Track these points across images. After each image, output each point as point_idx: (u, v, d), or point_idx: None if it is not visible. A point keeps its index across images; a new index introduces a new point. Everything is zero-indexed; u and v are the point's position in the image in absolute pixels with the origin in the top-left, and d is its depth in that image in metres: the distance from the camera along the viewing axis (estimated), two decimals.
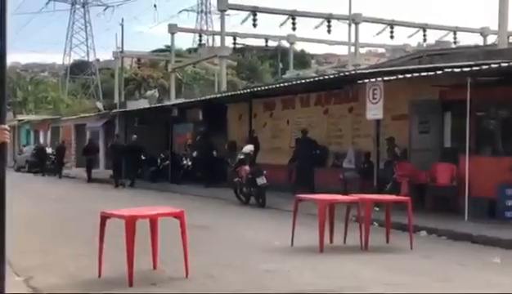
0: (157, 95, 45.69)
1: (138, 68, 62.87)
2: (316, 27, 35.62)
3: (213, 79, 48.16)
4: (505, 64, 11.49)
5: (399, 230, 10.56)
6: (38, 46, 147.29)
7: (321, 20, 34.89)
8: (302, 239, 9.64)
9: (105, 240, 7.28)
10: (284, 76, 37.76)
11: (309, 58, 72.31)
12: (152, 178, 26.14)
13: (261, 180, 16.18)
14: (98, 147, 32.33)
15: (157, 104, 32.65)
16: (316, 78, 20.65)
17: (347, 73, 18.43)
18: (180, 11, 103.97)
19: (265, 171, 16.40)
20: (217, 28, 46.94)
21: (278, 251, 9.47)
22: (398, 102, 15.79)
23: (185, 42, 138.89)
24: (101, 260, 7.25)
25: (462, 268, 8.39)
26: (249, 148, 17.93)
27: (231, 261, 8.50)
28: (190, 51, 66.17)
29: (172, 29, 38.69)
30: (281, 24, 34.88)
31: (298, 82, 19.12)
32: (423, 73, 13.01)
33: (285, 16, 33.95)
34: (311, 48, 70.99)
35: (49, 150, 36.98)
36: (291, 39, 40.72)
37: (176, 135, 27.04)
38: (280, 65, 50.74)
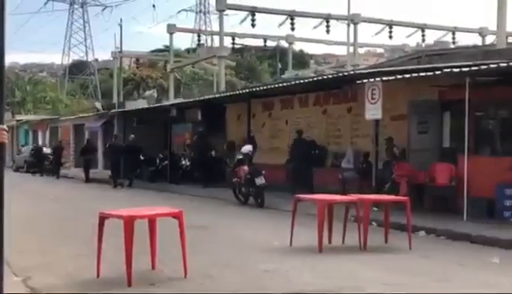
0: (156, 95, 45.67)
1: (137, 68, 62.85)
2: (315, 27, 35.64)
3: (211, 79, 48.17)
4: (504, 64, 11.50)
5: (398, 230, 10.56)
6: (36, 47, 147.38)
7: (319, 20, 34.89)
8: (301, 239, 9.64)
9: (103, 240, 7.27)
10: (282, 76, 37.75)
11: (308, 58, 72.30)
12: (151, 178, 26.13)
13: (260, 180, 16.17)
14: (96, 147, 32.29)
15: (156, 105, 32.65)
16: (315, 78, 20.66)
17: (345, 74, 18.44)
18: (179, 11, 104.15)
19: (264, 171, 16.40)
20: (215, 28, 46.98)
21: (277, 251, 9.46)
22: (397, 102, 15.79)
23: (183, 42, 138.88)
24: (100, 261, 7.24)
25: (461, 268, 8.39)
26: (247, 148, 17.93)
27: (229, 261, 8.50)
28: (188, 51, 66.12)
29: (171, 29, 38.68)
30: (280, 25, 34.91)
31: (297, 82, 19.11)
32: (422, 74, 13.01)
33: (284, 16, 33.96)
34: (309, 48, 71.08)
35: (47, 150, 36.94)
36: (290, 39, 40.72)
37: (175, 136, 27.03)
38: (279, 65, 50.72)
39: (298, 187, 17.24)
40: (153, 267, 7.65)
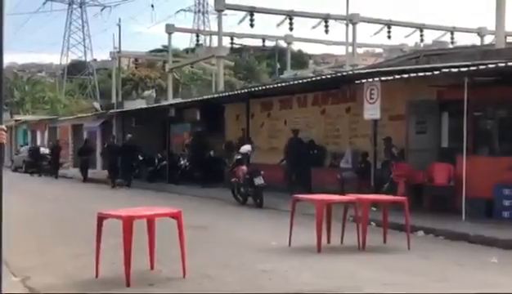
0: (154, 95, 45.71)
1: (135, 68, 62.82)
2: (314, 27, 35.65)
3: (210, 79, 48.15)
4: (503, 64, 11.49)
5: (396, 230, 10.57)
6: (35, 47, 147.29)
7: (318, 20, 34.90)
8: (299, 239, 9.64)
9: (102, 240, 7.27)
10: (281, 76, 37.79)
11: (307, 58, 72.27)
12: (149, 178, 26.13)
13: (258, 181, 16.17)
14: (94, 147, 32.27)
15: (154, 105, 32.63)
16: (314, 78, 20.65)
17: (344, 74, 18.45)
18: (177, 11, 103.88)
19: (262, 172, 16.39)
20: (214, 28, 46.96)
21: (275, 251, 9.47)
22: (395, 102, 15.80)
23: (182, 42, 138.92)
24: (99, 261, 7.24)
25: (460, 268, 8.40)
26: (246, 148, 17.92)
27: (228, 261, 8.50)
28: (187, 51, 66.11)
29: (170, 29, 38.65)
30: (279, 25, 34.93)
31: (296, 82, 19.11)
32: (420, 74, 13.02)
33: (283, 16, 33.97)
34: (308, 48, 71.06)
35: (45, 150, 36.89)
36: (288, 39, 40.72)
37: (173, 136, 27.03)
38: (278, 65, 50.71)
39: (295, 187, 17.27)
40: (152, 267, 7.65)
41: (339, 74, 18.25)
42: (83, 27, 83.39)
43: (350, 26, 34.13)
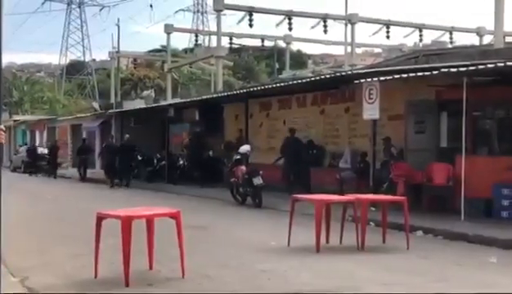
0: (153, 95, 45.72)
1: (134, 68, 62.81)
2: (313, 27, 35.68)
3: (209, 79, 48.15)
4: (501, 64, 11.49)
5: (395, 230, 10.56)
6: (33, 47, 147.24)
7: (317, 20, 34.92)
8: (298, 239, 9.63)
9: (101, 240, 7.27)
10: (280, 76, 37.80)
11: (305, 58, 72.28)
12: (148, 178, 26.13)
13: (257, 180, 16.16)
14: (91, 147, 32.26)
15: (153, 105, 32.62)
16: (313, 78, 20.67)
17: (343, 73, 18.45)
18: (176, 11, 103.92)
19: (261, 171, 16.39)
20: (213, 28, 46.92)
21: (274, 251, 9.47)
22: (394, 102, 15.80)
23: (181, 42, 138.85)
24: (98, 261, 7.24)
25: (459, 268, 8.40)
26: (245, 148, 17.90)
27: (227, 261, 8.49)
28: (186, 51, 66.11)
29: (169, 29, 38.65)
30: (278, 24, 34.93)
31: (295, 82, 19.10)
32: (419, 73, 13.02)
33: (282, 16, 33.98)
34: (307, 48, 71.08)
35: (44, 150, 36.87)
36: (287, 39, 40.74)
37: (172, 136, 27.03)
38: (277, 65, 50.73)
39: (294, 187, 17.28)
40: (150, 267, 7.64)
41: (338, 74, 18.25)
42: (81, 27, 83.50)
43: (349, 26, 34.13)
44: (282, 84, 19.53)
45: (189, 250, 7.50)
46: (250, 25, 32.48)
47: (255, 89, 21.25)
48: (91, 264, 7.27)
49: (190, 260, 7.49)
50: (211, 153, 23.81)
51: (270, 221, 13.40)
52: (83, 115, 40.11)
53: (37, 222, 13.26)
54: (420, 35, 37.54)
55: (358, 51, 42.91)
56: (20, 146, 44.81)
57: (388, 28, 36.18)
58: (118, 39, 45.68)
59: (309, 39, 41.50)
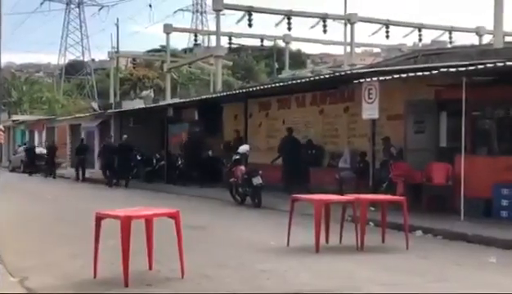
0: (152, 95, 45.73)
1: (133, 68, 62.80)
2: (312, 27, 35.65)
3: (208, 79, 48.15)
4: (501, 64, 11.49)
5: (395, 230, 10.54)
6: (32, 47, 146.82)
7: (316, 19, 34.90)
8: (298, 239, 9.63)
9: (100, 240, 7.26)
10: (279, 76, 37.80)
11: (305, 58, 72.34)
12: (148, 178, 26.11)
13: (257, 180, 16.16)
14: (89, 147, 32.24)
15: (152, 105, 32.60)
16: (312, 78, 20.67)
17: (342, 73, 18.44)
18: (175, 11, 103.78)
19: (261, 171, 16.38)
20: (212, 27, 46.96)
21: (274, 251, 9.46)
22: (394, 102, 15.79)
23: (180, 42, 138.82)
24: (97, 261, 7.23)
25: (458, 267, 8.39)
26: (244, 148, 17.90)
27: (226, 261, 8.48)
28: (185, 51, 66.19)
29: (168, 29, 38.63)
30: (277, 24, 34.90)
31: (294, 81, 19.10)
32: (418, 73, 13.01)
33: (281, 16, 33.94)
34: (306, 48, 71.13)
35: (42, 150, 36.84)
36: (287, 39, 40.71)
37: (171, 136, 27.00)
38: (276, 65, 50.74)
39: (293, 186, 17.29)
40: (150, 267, 7.63)
41: (338, 74, 18.23)
42: (80, 27, 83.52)
43: (348, 26, 34.12)
44: (281, 84, 19.52)
45: (188, 250, 7.50)
46: (249, 25, 32.46)
47: (254, 89, 21.25)
48: (90, 264, 7.26)
49: (190, 260, 7.48)
50: (210, 153, 23.81)
51: (269, 221, 13.39)
52: (82, 115, 40.06)
53: (36, 222, 13.24)
54: (420, 35, 37.53)
55: (357, 50, 42.88)
56: (19, 146, 44.79)
57: (387, 27, 36.16)
58: (117, 39, 45.72)
59: (308, 39, 41.48)
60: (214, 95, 24.21)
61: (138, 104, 35.06)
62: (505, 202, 12.65)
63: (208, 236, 11.19)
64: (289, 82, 19.08)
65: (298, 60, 65.15)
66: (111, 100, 44.45)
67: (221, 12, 31.73)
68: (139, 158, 27.00)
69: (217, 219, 13.99)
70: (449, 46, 33.86)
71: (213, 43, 38.25)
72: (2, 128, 5.38)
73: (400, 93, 15.58)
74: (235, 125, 23.47)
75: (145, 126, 28.89)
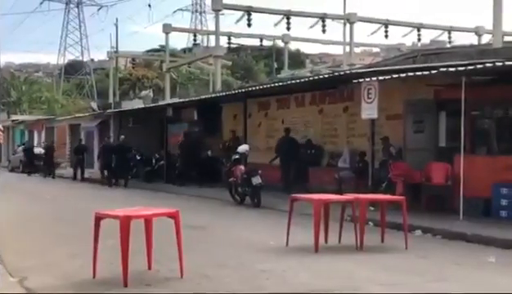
0: (152, 95, 45.69)
1: (133, 68, 62.75)
2: (311, 27, 35.64)
3: (207, 79, 48.15)
4: (500, 64, 11.50)
5: (394, 230, 10.55)
6: (32, 46, 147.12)
7: (315, 19, 34.90)
8: (297, 239, 9.63)
9: (100, 240, 7.26)
10: (279, 76, 37.77)
11: (304, 58, 72.33)
12: (147, 178, 26.10)
13: (256, 180, 16.15)
14: (87, 147, 32.27)
15: (152, 104, 32.60)
16: (311, 78, 20.65)
17: (341, 73, 18.44)
18: (174, 11, 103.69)
19: (260, 171, 16.38)
20: (211, 27, 47.01)
21: (273, 251, 9.46)
22: (393, 102, 15.80)
23: (179, 41, 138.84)
24: (96, 261, 7.23)
25: (457, 267, 8.40)
26: (244, 147, 17.91)
27: (226, 261, 8.48)
28: (184, 50, 66.15)
29: (167, 29, 38.62)
30: (276, 24, 34.89)
31: (293, 81, 19.10)
32: (417, 73, 13.01)
33: (280, 16, 33.95)
34: (305, 48, 71.15)
35: (41, 150, 36.83)
36: (286, 39, 40.74)
37: (171, 135, 26.99)
38: (275, 65, 50.73)
39: (290, 186, 17.32)
40: (149, 267, 7.63)
41: (337, 74, 18.24)
42: (80, 27, 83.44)
43: (347, 25, 34.12)
44: (281, 84, 19.52)
45: (187, 250, 7.50)
46: (249, 25, 32.46)
47: (254, 89, 21.26)
48: (89, 264, 7.26)
49: (189, 260, 7.49)
50: (209, 152, 23.82)
51: (268, 221, 13.39)
52: (81, 115, 40.06)
53: (35, 222, 13.23)
54: (419, 35, 37.55)
55: (357, 50, 42.90)
56: (19, 146, 44.79)
57: (386, 27, 36.16)
58: (116, 39, 45.75)
59: (307, 39, 41.48)
60: (213, 95, 24.22)
61: (137, 104, 35.08)
62: (504, 202, 12.66)
63: (208, 236, 11.19)
64: (289, 82, 19.09)
65: (298, 59, 65.15)
66: (110, 99, 44.45)
67: (220, 12, 31.73)
68: (138, 157, 27.00)
69: (217, 219, 13.99)
70: (448, 45, 33.88)
71: (213, 43, 38.24)
72: (2, 128, 5.39)
73: (399, 93, 15.58)
74: (234, 125, 23.48)
75: (144, 126, 28.90)
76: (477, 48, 21.20)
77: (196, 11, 78.50)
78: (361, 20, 35.04)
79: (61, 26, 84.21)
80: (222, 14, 33.39)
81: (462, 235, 10.74)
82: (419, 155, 15.24)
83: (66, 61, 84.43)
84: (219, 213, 15.28)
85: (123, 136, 26.35)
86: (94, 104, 45.24)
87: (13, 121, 49.80)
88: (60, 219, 14.02)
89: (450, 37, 37.66)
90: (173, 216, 7.33)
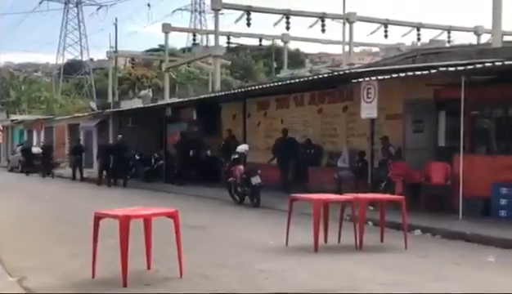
0: (151, 94, 45.61)
1: (132, 67, 62.73)
2: (311, 26, 35.60)
3: (207, 79, 48.10)
4: (499, 63, 11.49)
5: (393, 229, 10.56)
6: (31, 46, 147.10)
7: (315, 19, 34.86)
8: (296, 239, 9.63)
9: (99, 240, 7.25)
10: (278, 75, 37.73)
11: (303, 57, 72.28)
12: (146, 178, 26.09)
13: (255, 180, 16.15)
14: (85, 147, 32.29)
15: (151, 104, 32.59)
16: (311, 78, 20.64)
17: (341, 73, 18.43)
18: (174, 11, 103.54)
19: (259, 171, 16.38)
20: (211, 27, 46.94)
21: (273, 250, 9.45)
22: (392, 101, 15.80)
23: (179, 41, 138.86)
24: (95, 261, 7.23)
25: (457, 267, 8.40)
26: (243, 147, 17.91)
27: (225, 261, 8.48)
28: (184, 50, 66.09)
29: (166, 29, 38.58)
30: (275, 24, 34.86)
31: (293, 81, 19.10)
32: (417, 72, 13.01)
33: (279, 15, 33.92)
34: (305, 47, 71.07)
35: (39, 150, 36.83)
36: (285, 38, 40.71)
37: (170, 135, 27.00)
38: (275, 65, 50.71)
39: (289, 186, 17.32)
40: (148, 267, 7.63)
41: (336, 73, 18.23)
42: (79, 26, 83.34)
43: (347, 25, 34.09)
44: (280, 83, 19.51)
45: (187, 249, 7.49)
46: (248, 24, 32.43)
47: (253, 88, 21.25)
48: (88, 264, 7.25)
49: (189, 259, 7.48)
50: (209, 152, 23.81)
51: (268, 221, 13.39)
52: (80, 115, 40.03)
53: (34, 222, 13.23)
54: (418, 34, 37.51)
55: (356, 50, 42.91)
56: (18, 146, 44.78)
57: (386, 27, 36.13)
58: (115, 39, 45.93)
59: (307, 38, 41.42)
60: (213, 95, 24.22)
61: (137, 103, 35.06)
62: (503, 202, 12.66)
63: (207, 236, 11.18)
64: (288, 82, 19.08)
65: (297, 59, 65.12)
66: (110, 99, 44.43)
67: (219, 12, 31.70)
68: (137, 157, 26.99)
69: (216, 218, 13.98)
70: (447, 45, 33.86)
71: (212, 43, 38.10)
72: (1, 128, 5.38)
73: (399, 92, 15.58)
74: (233, 124, 23.47)
75: (143, 126, 28.90)
76: (476, 48, 21.20)
77: (196, 10, 78.50)
78: (360, 20, 35.01)
79: (60, 26, 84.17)
80: (222, 13, 33.34)
81: (461, 235, 10.74)
82: (418, 155, 15.24)
83: (65, 61, 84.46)
84: (218, 213, 15.28)
85: (120, 136, 26.37)
86: (93, 104, 45.23)
87: (12, 121, 49.80)
88: (60, 219, 14.01)
89: (449, 37, 37.62)
90: (173, 216, 7.33)
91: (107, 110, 34.10)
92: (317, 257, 8.80)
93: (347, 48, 35.15)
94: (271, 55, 51.22)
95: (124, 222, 6.85)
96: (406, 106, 15.96)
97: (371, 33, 37.59)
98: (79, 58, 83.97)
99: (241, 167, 17.00)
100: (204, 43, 53.88)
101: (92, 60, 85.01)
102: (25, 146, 38.59)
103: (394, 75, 13.64)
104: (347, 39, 34.59)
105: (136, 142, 26.95)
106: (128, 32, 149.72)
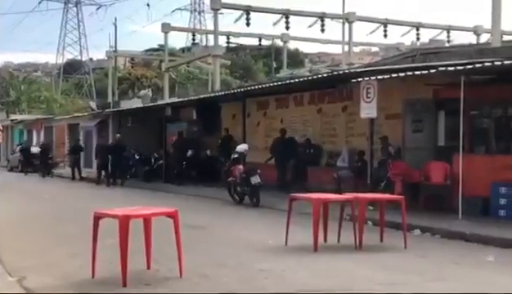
0: (150, 94, 45.61)
1: (132, 67, 62.71)
2: (310, 26, 35.59)
3: (206, 78, 48.09)
4: (499, 63, 11.50)
5: (393, 229, 10.56)
6: (31, 46, 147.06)
7: (314, 18, 34.85)
8: (296, 238, 9.63)
9: (99, 240, 7.26)
10: (277, 75, 37.74)
11: (303, 57, 72.29)
12: (146, 177, 26.10)
13: (255, 179, 16.16)
14: (83, 147, 32.31)
15: (151, 104, 32.59)
16: (310, 77, 20.64)
17: (340, 72, 18.44)
18: (173, 10, 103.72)
19: (259, 170, 16.39)
20: (210, 27, 46.90)
21: (272, 250, 9.46)
22: (392, 101, 15.80)
23: (178, 41, 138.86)
24: (95, 260, 7.23)
25: (456, 266, 8.40)
26: (243, 147, 17.92)
27: (225, 261, 8.48)
28: (183, 50, 66.07)
29: (166, 28, 38.56)
30: (275, 23, 34.84)
31: (292, 81, 19.11)
32: (416, 72, 13.01)
33: (279, 15, 33.91)
34: (304, 47, 71.12)
35: (38, 150, 36.84)
36: (285, 38, 40.71)
37: (170, 135, 27.01)
38: (274, 64, 50.71)
39: (288, 186, 17.33)
40: (148, 267, 7.63)
41: (336, 73, 18.25)
42: (78, 26, 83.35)
43: (346, 25, 34.09)
44: (279, 83, 19.52)
45: (187, 249, 7.50)
46: (247, 24, 32.40)
47: (252, 88, 21.26)
48: (88, 263, 7.26)
49: (188, 259, 7.48)
50: (208, 152, 23.82)
51: (267, 220, 13.40)
52: (80, 114, 40.03)
53: (34, 222, 13.23)
54: (418, 34, 37.50)
55: (356, 49, 42.93)
56: (18, 146, 44.77)
57: (385, 26, 36.12)
58: (115, 38, 45.82)
59: (306, 38, 41.42)
60: (212, 95, 24.22)
61: (136, 103, 35.07)
62: (502, 201, 12.67)
63: (207, 235, 11.18)
64: (288, 82, 19.09)
65: (296, 59, 65.13)
66: (109, 99, 44.43)
67: (219, 11, 31.71)
68: (137, 157, 27.00)
69: (216, 218, 13.99)
70: (447, 45, 33.86)
71: (211, 42, 38.04)
72: (1, 128, 5.38)
73: (398, 92, 15.58)
74: (233, 124, 23.48)
75: (143, 126, 28.92)
76: (476, 47, 21.21)
77: (195, 10, 78.48)
78: (360, 20, 35.01)
79: (60, 25, 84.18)
80: (221, 13, 33.39)
81: (461, 234, 10.74)
82: (418, 154, 15.25)
83: (65, 61, 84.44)
84: (218, 213, 15.28)
85: (118, 135, 26.39)
86: (93, 104, 45.24)
87: (12, 120, 49.80)
88: (59, 218, 14.01)
89: (449, 37, 37.62)
90: (172, 216, 7.33)
91: (107, 110, 34.10)
92: (317, 257, 8.81)
93: (346, 48, 35.14)
94: (270, 54, 51.22)
95: (124, 222, 6.86)
96: (405, 106, 15.97)
97: (371, 32, 37.60)
98: (79, 58, 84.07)
99: (241, 167, 17.01)
100: (204, 43, 53.88)
101: (91, 59, 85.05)
102: (24, 146, 38.59)
103: (394, 75, 13.64)
104: (346, 39, 34.59)
105: (136, 142, 26.94)
106: (128, 31, 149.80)
